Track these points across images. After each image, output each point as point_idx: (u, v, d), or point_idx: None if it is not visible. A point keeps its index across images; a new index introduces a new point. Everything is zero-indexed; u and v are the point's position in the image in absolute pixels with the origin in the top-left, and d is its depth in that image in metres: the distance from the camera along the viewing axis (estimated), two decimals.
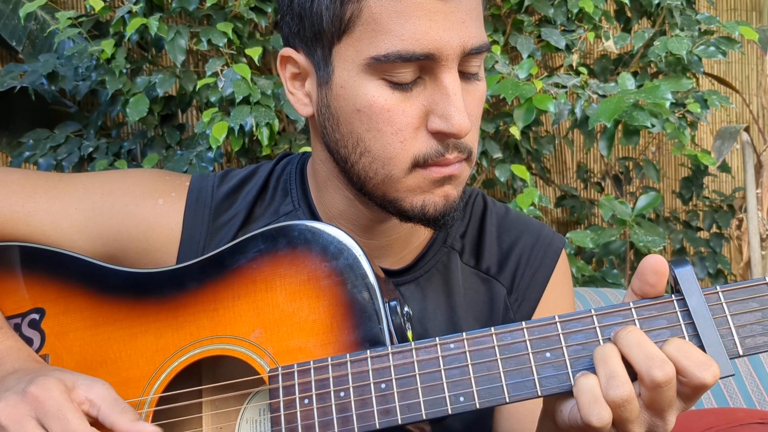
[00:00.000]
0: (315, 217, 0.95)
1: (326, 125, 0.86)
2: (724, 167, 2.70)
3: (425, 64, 0.79)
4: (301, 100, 0.89)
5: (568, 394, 0.69)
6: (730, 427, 0.97)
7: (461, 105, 0.79)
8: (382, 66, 0.79)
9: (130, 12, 1.94)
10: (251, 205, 0.97)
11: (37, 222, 0.93)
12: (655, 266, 0.69)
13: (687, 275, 0.69)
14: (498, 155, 2.11)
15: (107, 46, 1.93)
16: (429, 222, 0.85)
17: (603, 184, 2.82)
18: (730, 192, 2.96)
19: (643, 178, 2.87)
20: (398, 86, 0.80)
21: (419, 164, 0.82)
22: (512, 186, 2.26)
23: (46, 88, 2.21)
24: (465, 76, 0.83)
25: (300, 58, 0.87)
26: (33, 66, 2.17)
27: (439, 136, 0.81)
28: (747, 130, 2.61)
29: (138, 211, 0.95)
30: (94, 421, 0.74)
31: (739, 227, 2.68)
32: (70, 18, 2.00)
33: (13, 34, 2.28)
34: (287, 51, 0.88)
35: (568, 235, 2.05)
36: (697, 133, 2.86)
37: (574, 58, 2.15)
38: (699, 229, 2.80)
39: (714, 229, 2.79)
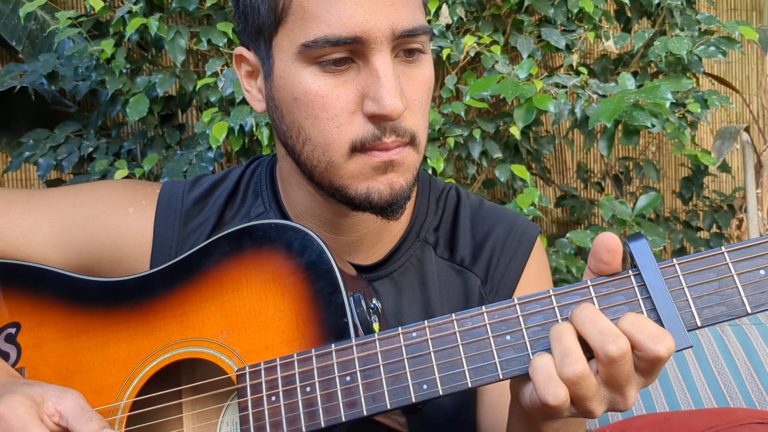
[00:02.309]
0: (285, 216, 0.96)
1: (274, 117, 0.88)
2: (724, 167, 2.70)
3: (356, 49, 0.80)
4: (255, 96, 0.92)
5: (529, 376, 0.69)
6: (730, 427, 0.97)
7: (392, 86, 0.80)
8: (312, 52, 0.80)
9: (130, 12, 1.94)
10: (221, 209, 0.98)
11: (10, 237, 0.94)
12: (608, 244, 0.69)
13: (642, 250, 0.69)
14: (498, 155, 2.11)
15: (107, 46, 1.93)
16: (376, 210, 0.86)
17: (603, 184, 2.82)
18: (730, 192, 2.95)
19: (643, 178, 2.87)
20: (331, 72, 0.81)
21: (357, 149, 0.82)
22: (512, 186, 2.26)
23: (46, 88, 2.21)
24: (403, 59, 0.83)
25: (250, 55, 0.89)
26: (33, 66, 2.17)
27: (375, 119, 0.81)
28: (747, 130, 2.61)
29: (109, 220, 0.96)
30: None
31: (739, 227, 2.68)
32: (70, 18, 2.00)
33: (13, 34, 2.28)
34: (240, 50, 0.91)
35: (568, 235, 2.05)
36: (697, 133, 2.86)
37: (574, 58, 2.15)
38: (699, 229, 2.80)
39: (714, 229, 2.79)
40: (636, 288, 0.69)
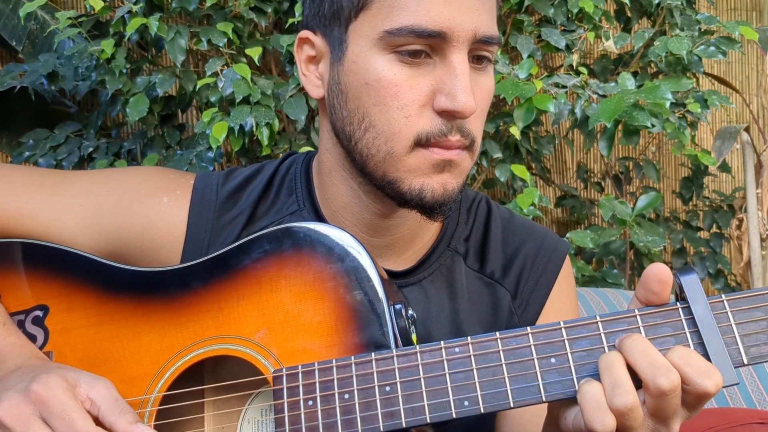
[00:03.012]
0: (319, 215, 0.95)
1: (335, 103, 0.87)
2: (724, 167, 2.70)
3: (436, 44, 0.81)
4: (313, 81, 0.91)
5: (573, 400, 0.69)
6: (730, 427, 0.97)
7: (467, 85, 0.80)
8: (394, 40, 0.81)
9: (130, 12, 1.94)
10: (255, 203, 0.97)
11: (40, 218, 0.93)
12: (659, 275, 0.69)
13: (692, 283, 0.69)
14: (498, 155, 2.11)
15: (107, 46, 1.93)
16: (425, 209, 0.85)
17: (603, 184, 2.82)
18: (730, 192, 2.95)
19: (643, 178, 2.87)
20: (408, 63, 0.81)
21: (421, 143, 0.82)
22: (512, 186, 2.26)
23: (46, 88, 2.21)
24: (472, 65, 0.84)
25: (317, 39, 0.89)
26: (33, 66, 2.17)
27: (444, 115, 0.82)
28: (747, 130, 2.61)
29: (142, 208, 0.94)
30: (95, 420, 0.74)
31: (739, 227, 2.68)
32: (70, 18, 2.00)
33: (13, 34, 2.28)
34: (305, 33, 0.90)
35: (568, 235, 2.05)
36: (697, 133, 2.86)
37: (574, 58, 2.15)
38: (699, 229, 2.80)
39: (714, 229, 2.79)
40: (684, 321, 0.69)
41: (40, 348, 0.86)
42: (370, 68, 0.82)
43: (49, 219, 0.93)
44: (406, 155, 0.83)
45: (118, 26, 1.96)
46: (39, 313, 0.88)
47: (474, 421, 0.97)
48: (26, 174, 0.96)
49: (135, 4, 1.95)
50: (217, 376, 0.84)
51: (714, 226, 2.76)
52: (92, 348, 0.84)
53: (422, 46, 0.81)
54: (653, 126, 1.86)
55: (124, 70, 1.99)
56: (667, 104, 1.84)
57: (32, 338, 0.86)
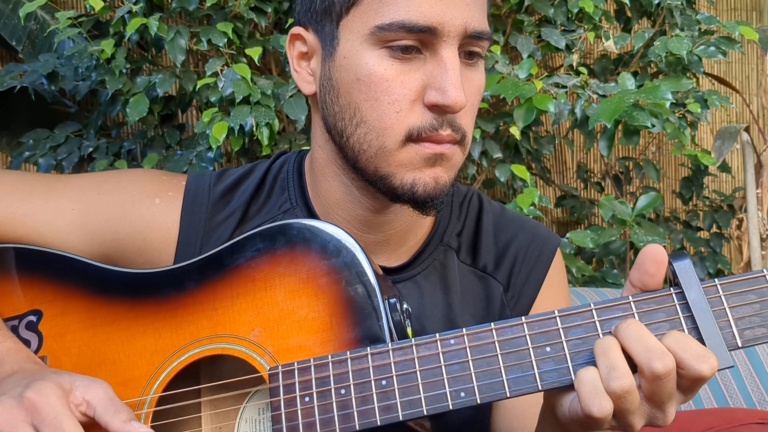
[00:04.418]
0: (311, 213, 0.96)
1: (326, 99, 0.88)
2: (724, 167, 2.69)
3: (427, 39, 0.81)
4: (305, 78, 0.91)
5: (569, 387, 0.70)
6: (730, 427, 0.97)
7: (458, 80, 0.81)
8: (384, 35, 0.81)
9: (130, 12, 1.94)
10: (247, 202, 0.97)
11: (33, 223, 0.93)
12: (655, 255, 0.70)
13: (686, 268, 0.70)
14: (498, 155, 2.11)
15: (107, 46, 1.93)
16: (417, 203, 0.86)
17: (603, 184, 2.82)
18: (730, 192, 2.95)
19: (643, 178, 2.87)
20: (399, 58, 0.82)
21: (413, 138, 0.83)
22: (512, 186, 2.26)
23: (46, 88, 2.21)
24: (463, 61, 0.85)
25: (309, 36, 0.89)
26: (33, 66, 2.17)
27: (435, 110, 0.82)
28: (747, 130, 2.61)
29: (135, 210, 0.95)
30: (93, 422, 0.74)
31: (739, 227, 2.68)
32: (70, 18, 2.00)
33: (13, 34, 2.28)
34: (297, 29, 0.91)
35: (568, 235, 2.05)
36: (697, 133, 2.86)
37: (574, 58, 2.15)
38: (699, 229, 2.80)
39: (714, 229, 2.79)
40: (678, 306, 0.70)
41: (35, 353, 0.85)
42: (361, 63, 0.83)
43: (42, 224, 0.93)
44: (397, 150, 0.83)
45: (118, 26, 1.96)
46: (33, 318, 0.88)
47: (470, 413, 0.97)
48: (17, 179, 0.96)
49: (135, 4, 1.95)
50: (213, 375, 0.84)
51: (714, 226, 2.76)
52: (87, 352, 0.84)
53: (413, 41, 0.81)
54: (653, 126, 1.86)
55: (124, 70, 1.99)
56: (667, 104, 1.84)
57: (26, 343, 0.86)
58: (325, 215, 0.95)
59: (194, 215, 0.96)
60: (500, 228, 1.02)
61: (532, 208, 1.91)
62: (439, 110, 0.82)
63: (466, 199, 1.03)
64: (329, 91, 0.87)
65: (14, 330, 0.87)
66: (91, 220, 0.94)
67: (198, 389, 0.84)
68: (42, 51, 2.27)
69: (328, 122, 0.89)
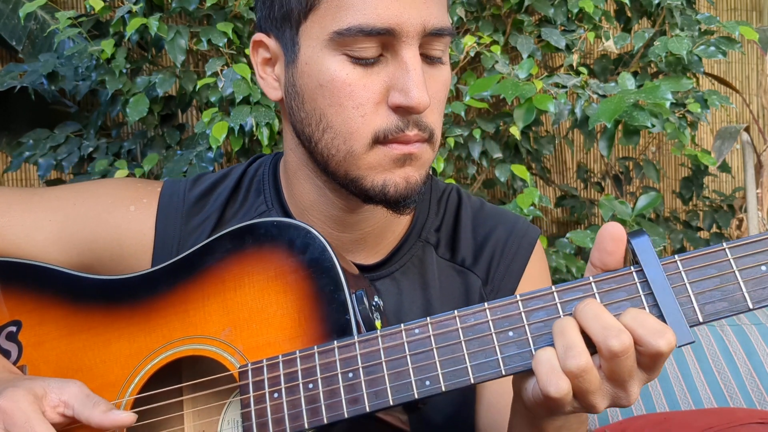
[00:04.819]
0: (288, 215, 0.96)
1: (293, 105, 0.88)
2: (724, 167, 2.69)
3: (386, 41, 0.81)
4: (270, 84, 0.92)
5: (532, 371, 0.69)
6: (730, 427, 0.97)
7: (420, 80, 0.81)
8: (344, 40, 0.81)
9: (130, 12, 1.94)
10: (223, 207, 0.98)
11: (11, 236, 0.94)
12: (613, 233, 0.70)
13: (644, 246, 0.70)
14: (498, 155, 2.11)
15: (107, 46, 1.93)
16: (389, 203, 0.86)
17: (603, 184, 2.82)
18: (730, 192, 2.95)
19: (643, 178, 2.87)
20: (360, 62, 0.82)
21: (380, 140, 0.83)
22: (512, 186, 2.26)
23: (46, 88, 2.21)
24: (427, 58, 0.85)
25: (271, 42, 0.89)
26: (33, 66, 2.17)
27: (400, 111, 0.82)
28: (747, 130, 2.61)
29: (110, 218, 0.96)
30: (74, 422, 0.75)
31: (739, 227, 2.68)
32: (70, 18, 2.00)
33: (13, 34, 2.28)
34: (259, 36, 0.91)
35: (568, 235, 2.05)
36: (697, 133, 2.86)
37: (574, 58, 2.15)
38: (699, 229, 2.80)
39: (714, 229, 2.79)
40: (638, 284, 0.70)
41: (14, 363, 0.87)
42: (323, 69, 0.83)
43: (19, 236, 0.94)
44: (365, 153, 0.84)
45: (118, 26, 1.96)
46: (12, 328, 0.89)
47: (453, 410, 0.98)
48: None
49: (135, 4, 1.95)
50: (194, 375, 0.85)
51: (714, 226, 2.76)
52: (64, 359, 0.85)
53: (373, 44, 0.81)
54: (653, 126, 1.86)
55: (124, 70, 1.99)
56: (667, 104, 1.84)
57: (6, 354, 0.87)
58: (300, 216, 0.95)
59: (169, 221, 0.97)
60: (479, 222, 1.02)
61: (532, 208, 1.91)
62: (404, 111, 0.82)
63: (444, 194, 1.04)
64: (294, 98, 0.87)
65: None
66: (68, 230, 0.95)
67: (180, 389, 0.84)
68: (42, 51, 2.27)
69: (296, 128, 0.89)
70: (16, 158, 2.18)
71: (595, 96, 1.95)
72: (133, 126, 2.36)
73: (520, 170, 2.05)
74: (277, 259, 0.81)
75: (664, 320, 0.67)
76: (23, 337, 0.88)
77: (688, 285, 0.69)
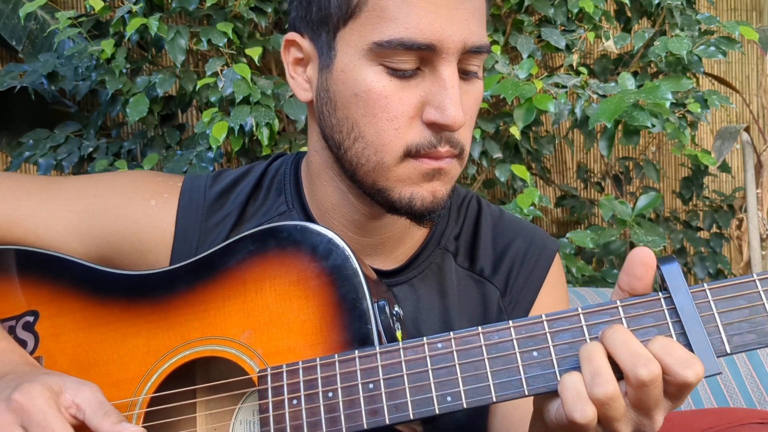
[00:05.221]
0: (308, 216, 0.95)
1: (324, 110, 0.87)
2: (724, 167, 2.70)
3: (425, 56, 0.80)
4: (301, 85, 0.90)
5: (555, 393, 0.69)
6: (730, 427, 0.97)
7: (457, 98, 0.80)
8: (383, 52, 0.80)
9: (130, 12, 1.94)
10: (243, 204, 0.97)
11: (30, 225, 0.93)
12: (643, 258, 0.69)
13: (674, 273, 0.69)
14: (498, 155, 2.11)
15: (107, 46, 1.93)
16: (415, 216, 0.86)
17: (603, 184, 2.82)
18: (730, 192, 2.95)
19: (643, 178, 2.87)
20: (397, 74, 0.81)
21: (411, 154, 0.82)
22: (512, 186, 2.26)
23: (46, 88, 2.21)
24: (463, 74, 0.84)
25: (304, 42, 0.88)
26: (33, 66, 2.17)
27: (433, 127, 0.82)
28: (747, 130, 2.61)
29: (130, 212, 0.95)
30: (82, 425, 0.74)
31: (739, 227, 2.68)
32: (70, 18, 2.00)
33: (13, 33, 2.28)
34: (292, 35, 0.89)
35: (568, 235, 2.05)
36: (697, 133, 2.86)
37: (574, 58, 2.15)
38: (699, 229, 2.80)
39: (714, 229, 2.79)
40: (666, 311, 0.69)
41: (31, 353, 0.86)
42: (359, 79, 0.82)
43: (38, 226, 0.93)
44: (395, 166, 0.83)
45: (118, 26, 1.96)
46: (29, 318, 0.88)
47: (466, 419, 0.97)
48: (15, 181, 0.96)
49: (135, 4, 1.95)
50: (209, 376, 0.85)
51: (714, 226, 2.76)
52: (81, 352, 0.85)
53: (412, 57, 0.80)
54: (653, 126, 1.86)
55: (124, 70, 1.99)
56: (667, 104, 1.84)
57: (23, 343, 0.87)
58: (321, 218, 0.95)
59: (190, 217, 0.96)
60: (498, 232, 1.01)
61: (532, 208, 1.91)
62: (438, 128, 0.81)
63: (464, 202, 1.03)
64: (326, 103, 0.86)
65: (11, 330, 0.87)
66: (87, 222, 0.94)
67: (193, 390, 0.84)
68: (42, 51, 2.27)
69: (325, 132, 0.88)
70: (16, 158, 2.18)
71: (595, 96, 1.95)
72: (133, 126, 2.36)
73: (520, 170, 2.05)
74: (299, 264, 0.80)
75: (691, 349, 0.67)
76: (40, 327, 0.87)
77: (716, 315, 0.68)
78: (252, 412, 0.83)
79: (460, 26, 0.80)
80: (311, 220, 0.95)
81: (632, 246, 2.40)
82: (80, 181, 0.98)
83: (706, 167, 2.59)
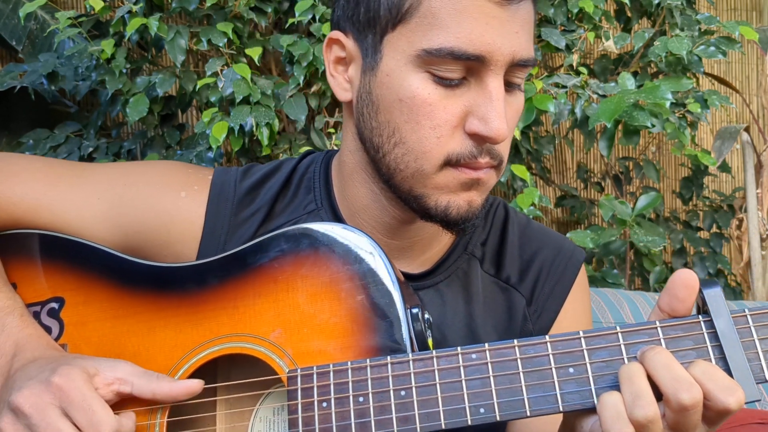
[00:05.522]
0: (337, 215, 0.95)
1: (364, 111, 0.86)
2: (724, 167, 2.70)
3: (473, 66, 0.80)
4: (341, 84, 0.90)
5: (590, 410, 0.69)
6: (730, 427, 0.97)
7: (502, 111, 0.79)
8: (431, 59, 0.79)
9: (130, 12, 1.94)
10: (273, 200, 0.96)
11: (59, 210, 0.92)
12: (686, 280, 0.68)
13: (716, 297, 0.68)
14: None
15: (107, 46, 1.93)
16: (449, 224, 0.85)
17: (603, 184, 2.82)
18: (730, 192, 2.96)
19: (643, 178, 2.87)
20: (443, 82, 0.80)
21: (451, 163, 0.82)
22: (512, 186, 2.26)
23: (46, 88, 2.21)
24: (507, 85, 0.83)
25: (348, 42, 0.87)
26: (33, 66, 2.17)
27: (476, 138, 0.81)
28: (747, 130, 2.61)
29: (160, 203, 0.94)
30: (127, 398, 0.75)
31: (739, 227, 2.68)
32: (70, 18, 2.00)
33: (13, 33, 2.28)
34: (336, 34, 0.88)
35: (568, 235, 2.05)
36: (697, 133, 2.86)
37: (574, 58, 2.15)
38: (699, 229, 2.80)
39: (714, 229, 2.79)
40: (706, 334, 0.68)
41: (55, 340, 0.85)
42: (405, 84, 0.81)
43: (68, 211, 0.93)
44: (435, 173, 0.82)
45: (118, 26, 1.96)
46: (54, 305, 0.87)
47: (486, 425, 0.97)
48: (46, 165, 0.96)
49: (135, 4, 1.95)
50: (229, 374, 0.84)
51: (714, 226, 2.76)
52: (107, 342, 0.84)
53: (459, 67, 0.79)
54: (653, 126, 1.86)
55: (124, 70, 1.99)
56: (667, 104, 1.84)
57: (47, 330, 0.86)
58: (350, 218, 0.94)
59: (219, 211, 0.95)
60: (525, 240, 1.01)
61: (532, 208, 1.91)
62: (480, 139, 0.81)
63: (492, 208, 1.02)
64: (367, 105, 0.85)
65: (36, 316, 0.87)
66: (116, 211, 0.93)
67: (214, 388, 0.83)
68: (42, 51, 2.27)
69: (362, 134, 0.88)
70: None
71: (595, 96, 1.95)
72: (133, 126, 2.36)
73: (520, 170, 2.05)
74: (332, 266, 0.79)
75: (730, 374, 0.66)
76: (65, 314, 0.86)
77: (757, 341, 0.67)
78: (273, 411, 0.83)
79: (510, 39, 0.79)
80: (339, 219, 0.94)
81: (632, 246, 2.41)
82: (111, 168, 0.98)
83: (706, 167, 2.59)
